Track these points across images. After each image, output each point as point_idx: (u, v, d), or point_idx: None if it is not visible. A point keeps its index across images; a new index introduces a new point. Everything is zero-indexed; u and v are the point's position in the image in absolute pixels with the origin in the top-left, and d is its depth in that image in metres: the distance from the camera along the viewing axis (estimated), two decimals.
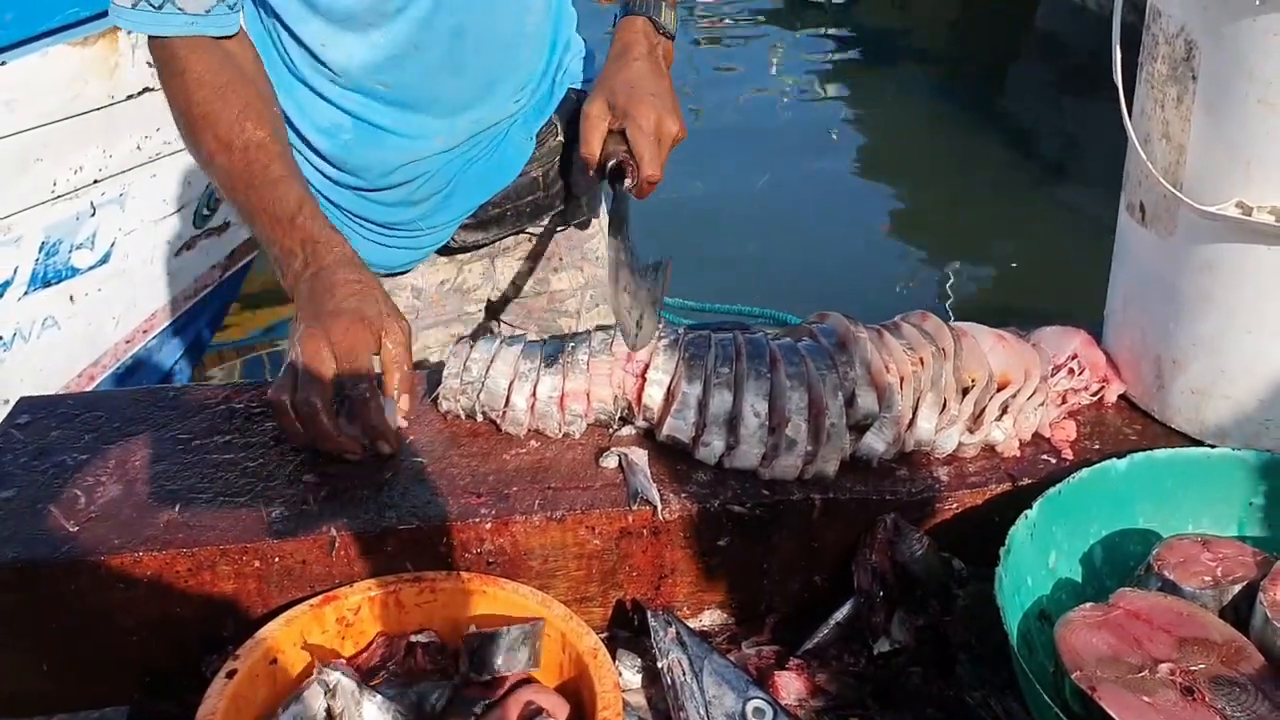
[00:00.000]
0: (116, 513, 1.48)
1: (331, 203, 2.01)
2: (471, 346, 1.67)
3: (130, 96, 3.73)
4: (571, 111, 2.11)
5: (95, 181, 3.82)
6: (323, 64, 1.86)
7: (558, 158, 2.14)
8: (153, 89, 3.76)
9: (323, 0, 1.78)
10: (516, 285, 2.24)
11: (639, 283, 1.64)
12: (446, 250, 2.14)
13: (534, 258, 2.23)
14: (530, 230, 2.20)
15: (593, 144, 1.86)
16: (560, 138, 2.13)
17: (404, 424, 1.59)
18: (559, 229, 2.22)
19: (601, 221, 2.28)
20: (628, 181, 1.81)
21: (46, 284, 3.91)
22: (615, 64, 1.90)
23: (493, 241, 2.17)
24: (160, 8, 1.68)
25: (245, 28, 1.82)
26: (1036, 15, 11.00)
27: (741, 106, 9.03)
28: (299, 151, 1.94)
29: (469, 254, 2.18)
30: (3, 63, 3.45)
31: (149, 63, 3.70)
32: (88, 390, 3.96)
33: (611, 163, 1.83)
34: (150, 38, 1.74)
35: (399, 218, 2.03)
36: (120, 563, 1.42)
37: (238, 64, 1.76)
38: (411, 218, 2.03)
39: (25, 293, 3.84)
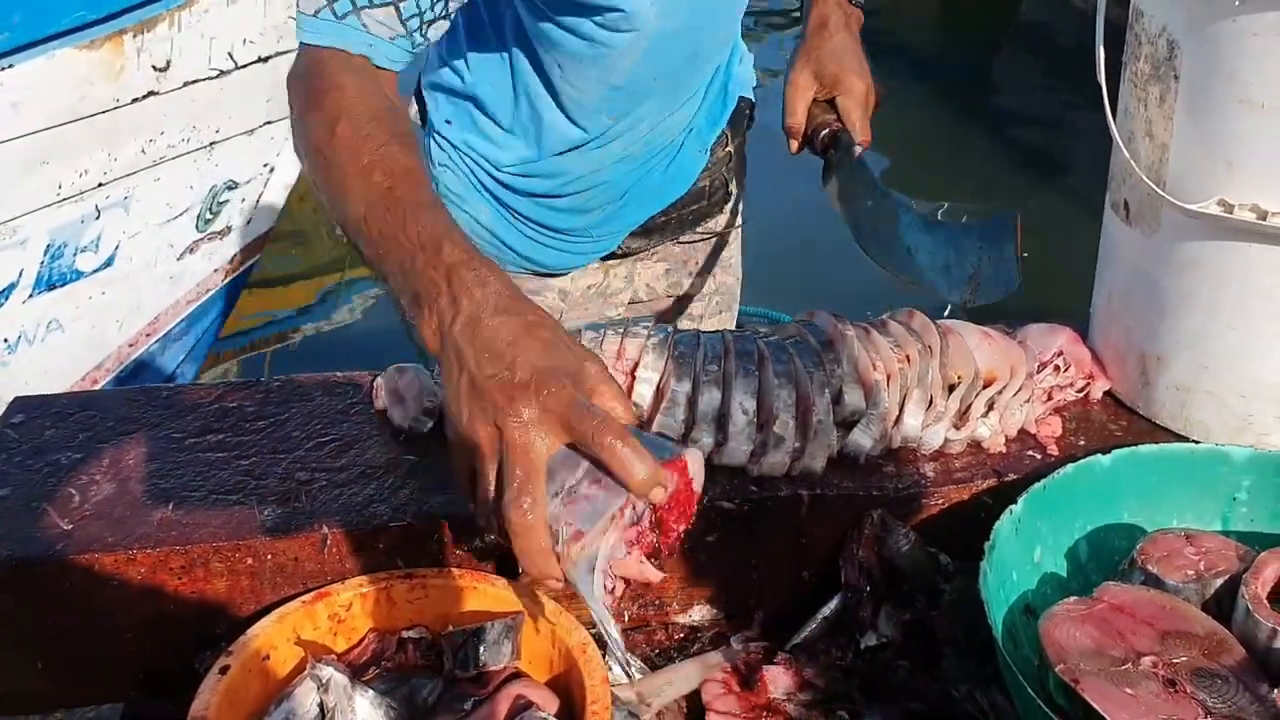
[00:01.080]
0: (110, 511, 1.49)
1: (508, 208, 2.02)
2: None
3: (135, 100, 3.74)
4: (742, 119, 2.16)
5: (100, 185, 3.83)
6: (557, 94, 1.86)
7: (724, 167, 2.16)
8: (157, 93, 3.78)
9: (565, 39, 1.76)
10: (651, 288, 2.24)
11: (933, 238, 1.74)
12: (623, 254, 2.16)
13: (673, 261, 2.24)
14: (684, 239, 2.21)
15: (799, 114, 1.94)
16: (729, 147, 2.15)
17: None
18: (703, 236, 2.24)
19: (741, 233, 2.32)
20: (856, 150, 1.92)
21: (51, 287, 3.92)
22: (817, 37, 1.95)
23: (653, 248, 2.18)
24: (343, 18, 1.51)
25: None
26: (1020, 9, 10.98)
27: None
28: (483, 156, 1.96)
29: (618, 259, 2.19)
30: (10, 65, 3.47)
31: (154, 66, 3.74)
32: (82, 390, 3.97)
33: (825, 132, 1.93)
34: (304, 52, 1.54)
35: (572, 224, 2.04)
36: (114, 560, 1.43)
37: (389, 98, 1.53)
38: (585, 225, 2.04)
39: (30, 295, 3.86)
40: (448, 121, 1.99)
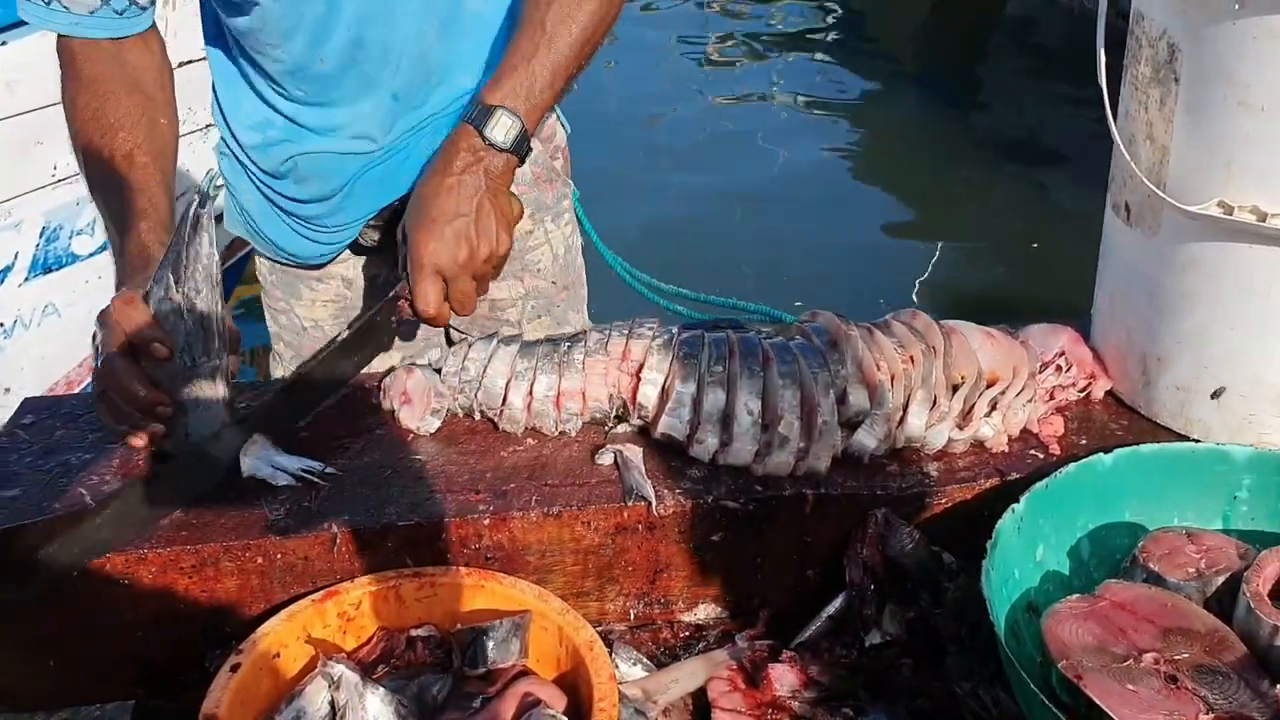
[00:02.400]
0: None
1: (266, 193, 2.07)
2: (470, 346, 1.70)
3: None
4: None
5: None
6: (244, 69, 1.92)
7: None
8: None
9: (228, 20, 1.83)
10: None
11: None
12: (375, 248, 2.13)
13: None
14: None
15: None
16: None
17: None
18: None
19: (551, 238, 2.24)
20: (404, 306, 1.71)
21: (47, 270, 3.89)
22: (420, 178, 1.73)
23: None
24: (48, 4, 1.73)
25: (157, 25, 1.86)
26: (1005, 7, 10.99)
27: (712, 111, 8.96)
28: (234, 135, 2.03)
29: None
30: (4, 43, 3.44)
31: None
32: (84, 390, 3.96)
33: (392, 293, 1.73)
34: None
35: (306, 212, 2.06)
36: (124, 560, 1.44)
37: (129, 71, 1.79)
38: (317, 213, 2.05)
39: (26, 279, 3.83)
40: (217, 103, 2.05)
